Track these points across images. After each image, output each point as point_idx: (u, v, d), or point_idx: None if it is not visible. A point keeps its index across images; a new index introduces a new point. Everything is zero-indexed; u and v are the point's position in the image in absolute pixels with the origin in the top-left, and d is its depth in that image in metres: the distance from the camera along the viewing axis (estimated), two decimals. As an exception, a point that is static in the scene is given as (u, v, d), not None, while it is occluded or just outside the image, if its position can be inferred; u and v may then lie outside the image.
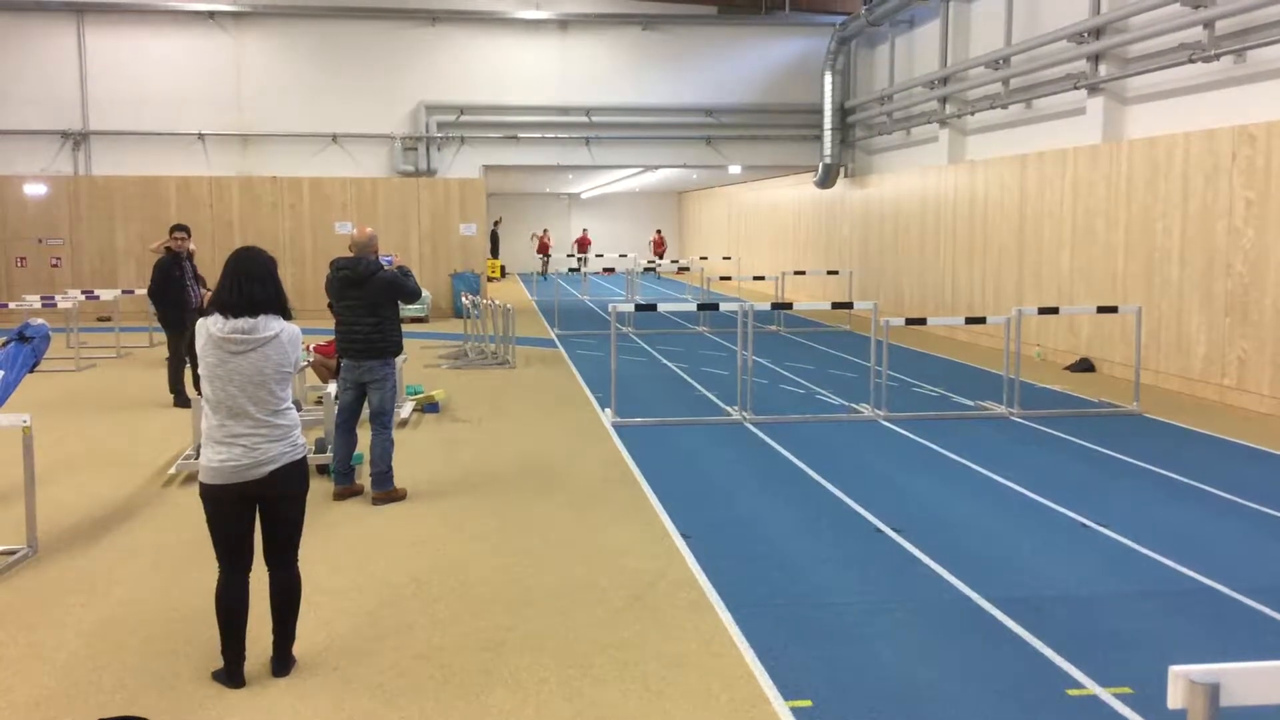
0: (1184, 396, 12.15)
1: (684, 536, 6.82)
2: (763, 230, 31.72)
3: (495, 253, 38.14)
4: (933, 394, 12.44)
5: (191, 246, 12.15)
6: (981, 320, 11.71)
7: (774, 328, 20.04)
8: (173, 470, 8.49)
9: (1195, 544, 6.66)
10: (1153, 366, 12.75)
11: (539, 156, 23.55)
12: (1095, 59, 14.13)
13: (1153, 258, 13.00)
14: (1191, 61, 12.07)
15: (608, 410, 11.13)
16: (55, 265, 21.85)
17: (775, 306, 11.29)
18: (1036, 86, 15.80)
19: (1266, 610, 5.51)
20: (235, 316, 4.61)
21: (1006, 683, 4.67)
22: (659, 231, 41.99)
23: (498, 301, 16.23)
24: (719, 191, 37.66)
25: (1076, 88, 14.54)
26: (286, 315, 4.76)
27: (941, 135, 18.99)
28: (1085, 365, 14.29)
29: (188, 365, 11.66)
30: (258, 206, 22.24)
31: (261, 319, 4.63)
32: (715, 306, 11.66)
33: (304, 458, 4.79)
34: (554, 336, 18.77)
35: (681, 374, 14.15)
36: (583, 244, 39.49)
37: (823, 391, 12.64)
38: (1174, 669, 1.83)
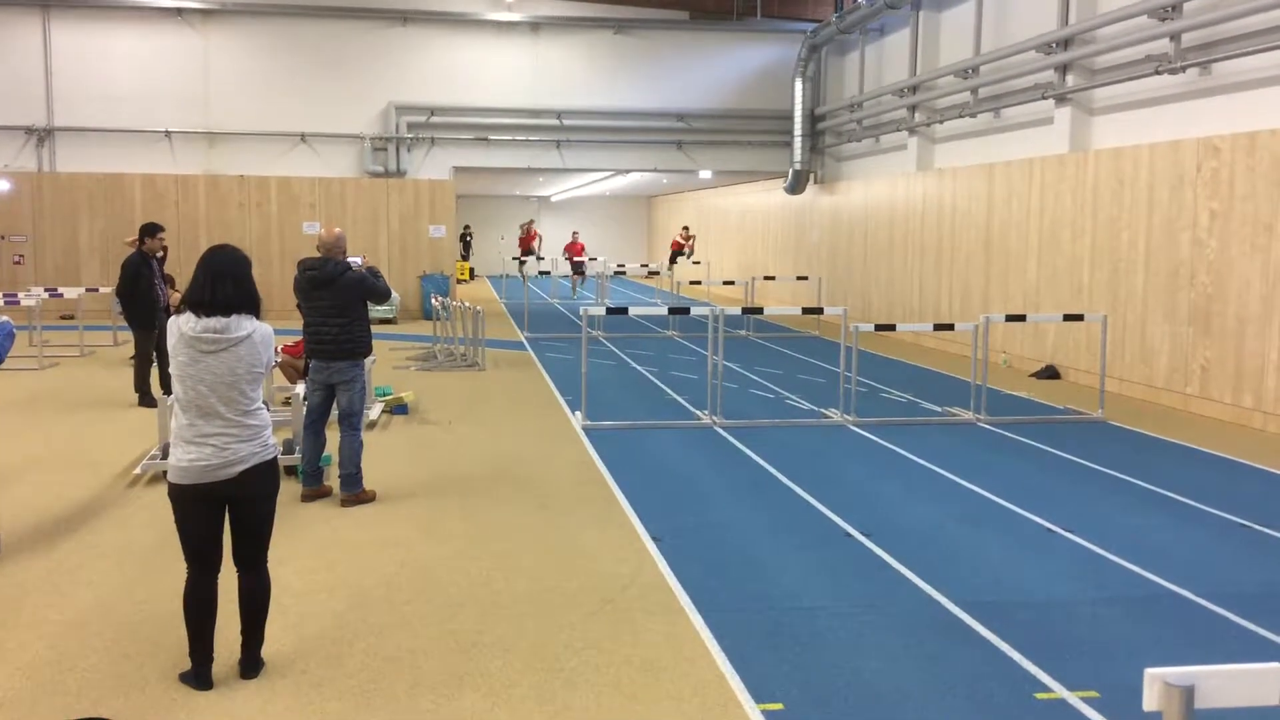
0: (1147, 404, 12.30)
1: (655, 540, 6.83)
2: (732, 236, 31.81)
3: (466, 256, 37.99)
4: (901, 399, 12.53)
5: (164, 246, 12.08)
6: (950, 327, 11.80)
7: (744, 333, 20.10)
8: (138, 470, 8.40)
9: (1159, 550, 6.74)
10: (1117, 374, 12.89)
11: (510, 159, 23.50)
12: (1063, 69, 14.29)
13: (1118, 267, 13.16)
14: (1158, 73, 12.24)
15: (578, 413, 11.12)
16: (18, 262, 21.56)
17: (746, 311, 11.33)
18: (1005, 96, 15.95)
19: (1231, 616, 5.58)
20: (208, 315, 4.57)
21: (975, 686, 4.71)
22: (686, 229, 33.08)
23: (467, 304, 16.18)
24: (688, 196, 37.73)
25: (1044, 98, 14.69)
26: (258, 315, 4.74)
27: (911, 143, 19.13)
28: (1051, 372, 14.44)
29: (154, 366, 11.55)
30: (225, 205, 22.05)
31: (234, 318, 4.60)
32: (686, 311, 11.69)
33: (275, 458, 4.75)
34: (523, 339, 18.73)
35: (651, 378, 14.16)
36: (574, 250, 32.44)
37: (792, 396, 12.70)
38: (1149, 671, 1.86)
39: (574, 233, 34.06)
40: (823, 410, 11.61)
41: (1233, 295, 11.18)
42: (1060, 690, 4.64)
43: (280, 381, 11.83)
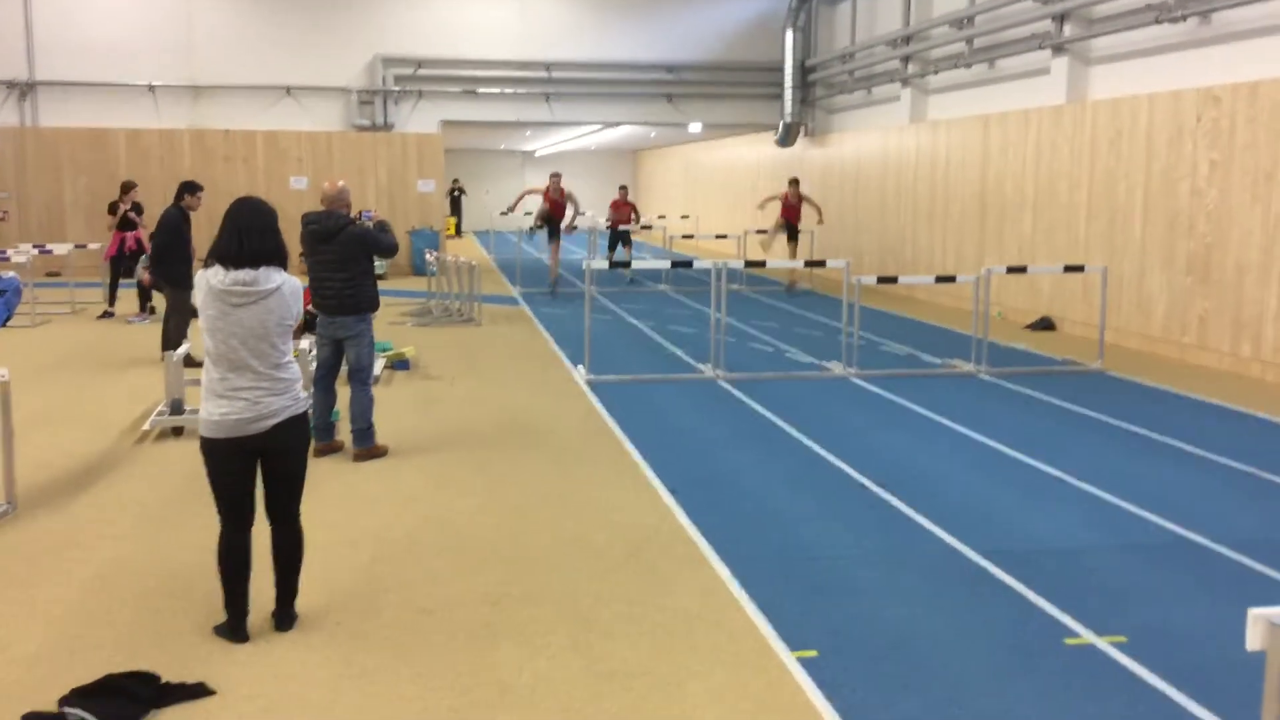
0: (1145, 354, 12.38)
1: (671, 492, 6.86)
2: (721, 189, 31.67)
3: (456, 211, 37.62)
4: (900, 352, 12.57)
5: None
6: (952, 279, 11.82)
7: (737, 287, 20.08)
8: (146, 426, 8.36)
9: (1170, 497, 6.81)
10: (1114, 325, 12.95)
11: (498, 112, 23.27)
12: (1060, 19, 14.21)
13: (1115, 218, 13.18)
14: (1158, 23, 12.19)
15: (580, 367, 11.11)
16: (2, 219, 21.28)
17: (749, 265, 11.30)
18: (1000, 46, 15.87)
19: (1248, 562, 5.66)
20: (236, 268, 4.53)
21: (1005, 632, 4.77)
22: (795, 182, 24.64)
23: (463, 258, 16.09)
24: (676, 150, 37.51)
25: (1041, 48, 14.62)
26: (285, 267, 4.70)
27: (904, 95, 19.03)
28: (1046, 324, 14.50)
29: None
30: (210, 160, 21.78)
31: (263, 271, 4.56)
32: (689, 264, 11.65)
33: (305, 412, 4.74)
34: (516, 294, 18.66)
35: (649, 332, 14.15)
36: (621, 211, 22.11)
37: (791, 350, 12.71)
38: (1253, 611, 1.88)
39: (621, 188, 23.45)
40: (823, 363, 11.64)
41: (1232, 245, 11.23)
42: (1089, 635, 4.71)
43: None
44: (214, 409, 4.56)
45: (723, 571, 5.47)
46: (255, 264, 4.56)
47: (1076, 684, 4.26)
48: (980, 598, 5.17)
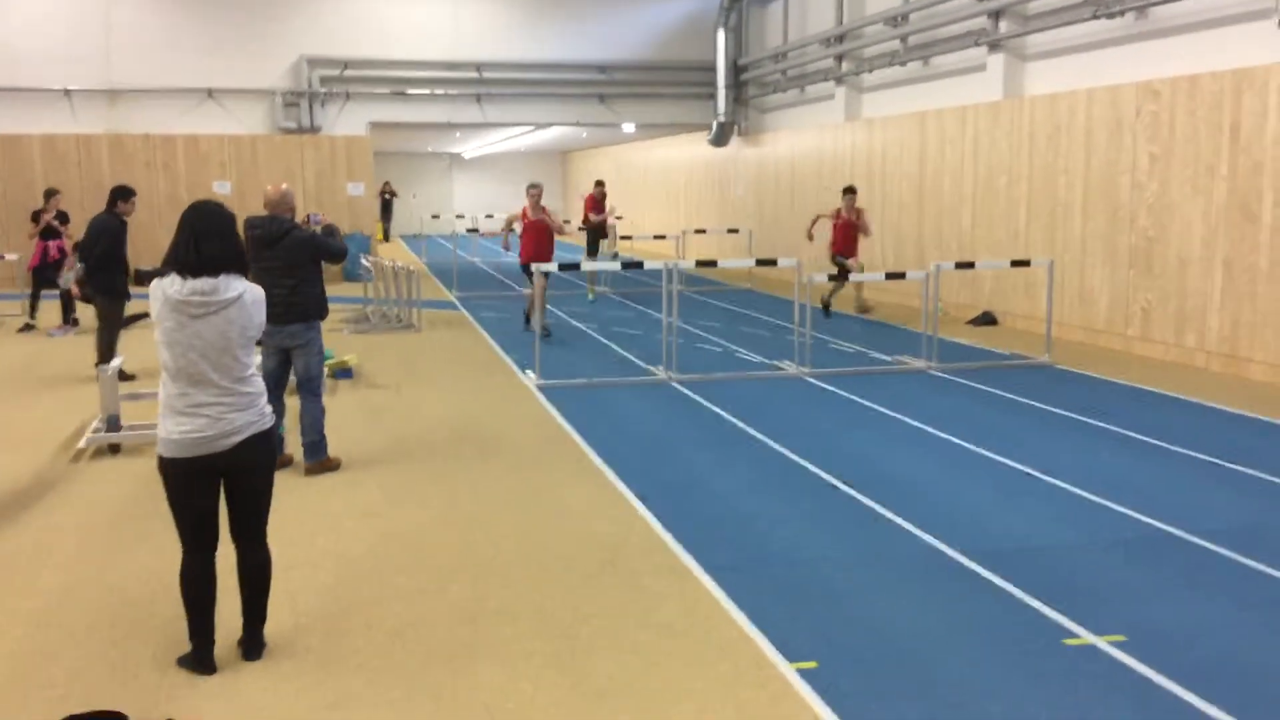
0: (1089, 347, 12.48)
1: (641, 499, 6.66)
2: (653, 190, 31.56)
3: (386, 216, 36.99)
4: (849, 350, 12.52)
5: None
6: (901, 275, 11.79)
7: (680, 287, 19.91)
8: (81, 444, 7.94)
9: (1138, 490, 6.79)
10: (1056, 318, 13.02)
11: (428, 113, 22.86)
12: (996, 15, 14.29)
13: (1055, 213, 13.28)
14: (1095, 18, 12.30)
15: (529, 372, 10.87)
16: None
17: (700, 264, 11.15)
18: (936, 44, 15.94)
19: (1227, 552, 5.63)
20: (194, 277, 4.24)
21: (1004, 634, 4.65)
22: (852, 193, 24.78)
23: (399, 263, 15.74)
24: (606, 151, 37.33)
25: (977, 45, 14.70)
26: (246, 274, 4.42)
27: (838, 93, 19.06)
28: (988, 319, 14.58)
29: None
30: (130, 166, 21.05)
31: (222, 279, 4.28)
32: (640, 265, 11.47)
33: (272, 427, 4.46)
34: (454, 299, 18.33)
35: (594, 335, 13.94)
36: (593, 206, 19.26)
37: (740, 350, 12.60)
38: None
39: (597, 182, 20.11)
40: (775, 362, 11.54)
41: (1174, 237, 11.35)
42: (1088, 635, 4.61)
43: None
44: (174, 427, 4.26)
45: (704, 580, 5.29)
46: (214, 272, 4.27)
47: (1083, 687, 4.16)
48: (971, 599, 5.06)
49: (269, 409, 4.47)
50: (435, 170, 44.27)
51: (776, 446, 7.98)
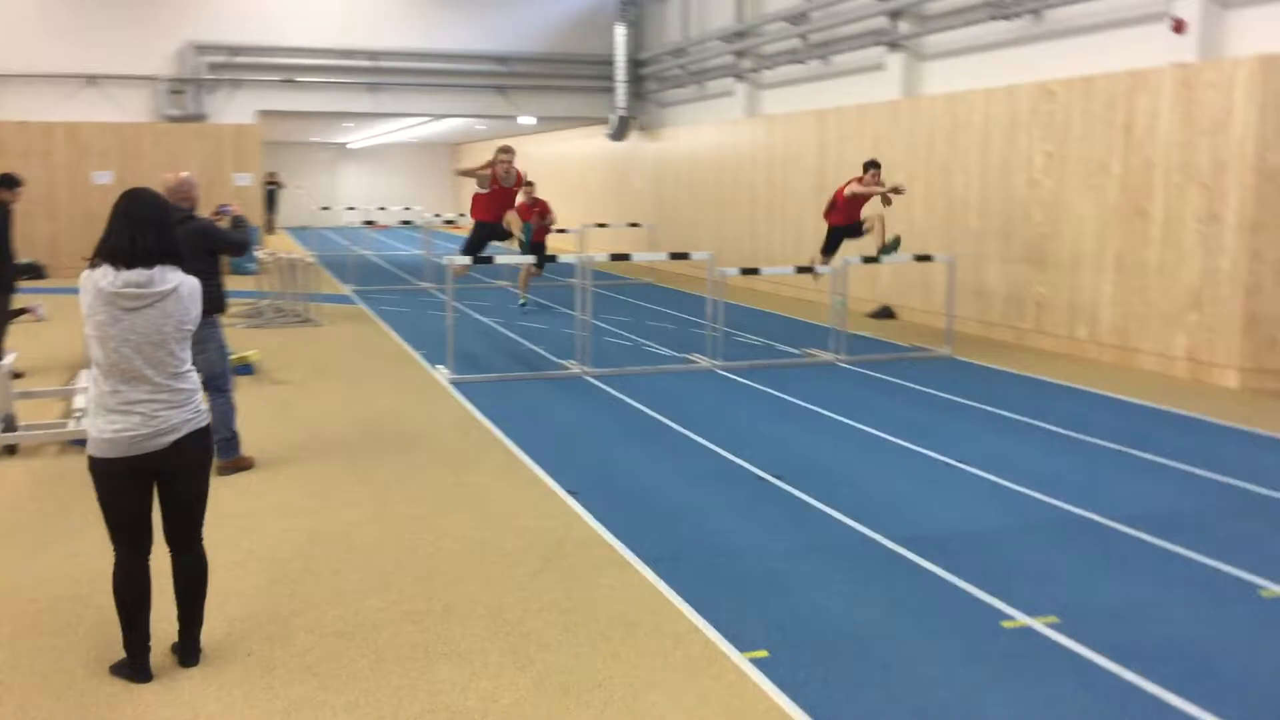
0: (985, 339, 12.86)
1: (571, 493, 6.63)
2: (551, 184, 31.37)
3: (272, 207, 35.97)
4: (756, 343, 12.66)
5: None
6: (810, 270, 11.97)
7: (579, 281, 19.87)
8: (-23, 445, 7.56)
9: (1053, 477, 7.02)
10: (952, 311, 13.38)
11: (319, 102, 22.36)
12: (895, 16, 14.62)
13: (952, 209, 13.64)
14: (992, 19, 12.67)
15: (440, 367, 10.72)
16: None
17: (615, 258, 11.15)
18: (836, 42, 16.22)
19: (1146, 536, 5.86)
20: (128, 268, 4.07)
21: (944, 619, 4.77)
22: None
23: (295, 255, 15.36)
24: (501, 143, 36.98)
25: (876, 44, 15.01)
26: (182, 266, 4.26)
27: (738, 89, 19.25)
28: (886, 312, 14.91)
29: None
30: (4, 154, 20.01)
31: (158, 270, 4.11)
32: (553, 259, 11.41)
33: (208, 426, 4.31)
34: (350, 293, 17.96)
35: (501, 329, 13.83)
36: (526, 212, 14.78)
37: (649, 343, 12.64)
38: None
39: (527, 184, 14.45)
40: (686, 356, 11.61)
41: (1068, 233, 11.77)
42: (1023, 617, 4.76)
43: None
44: (105, 425, 4.09)
45: (646, 573, 5.30)
46: (150, 263, 4.10)
47: (1025, 667, 4.29)
48: (908, 585, 5.18)
49: (205, 407, 4.33)
50: (320, 161, 43.34)
51: (699, 439, 8.04)
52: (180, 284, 4.17)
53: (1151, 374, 10.64)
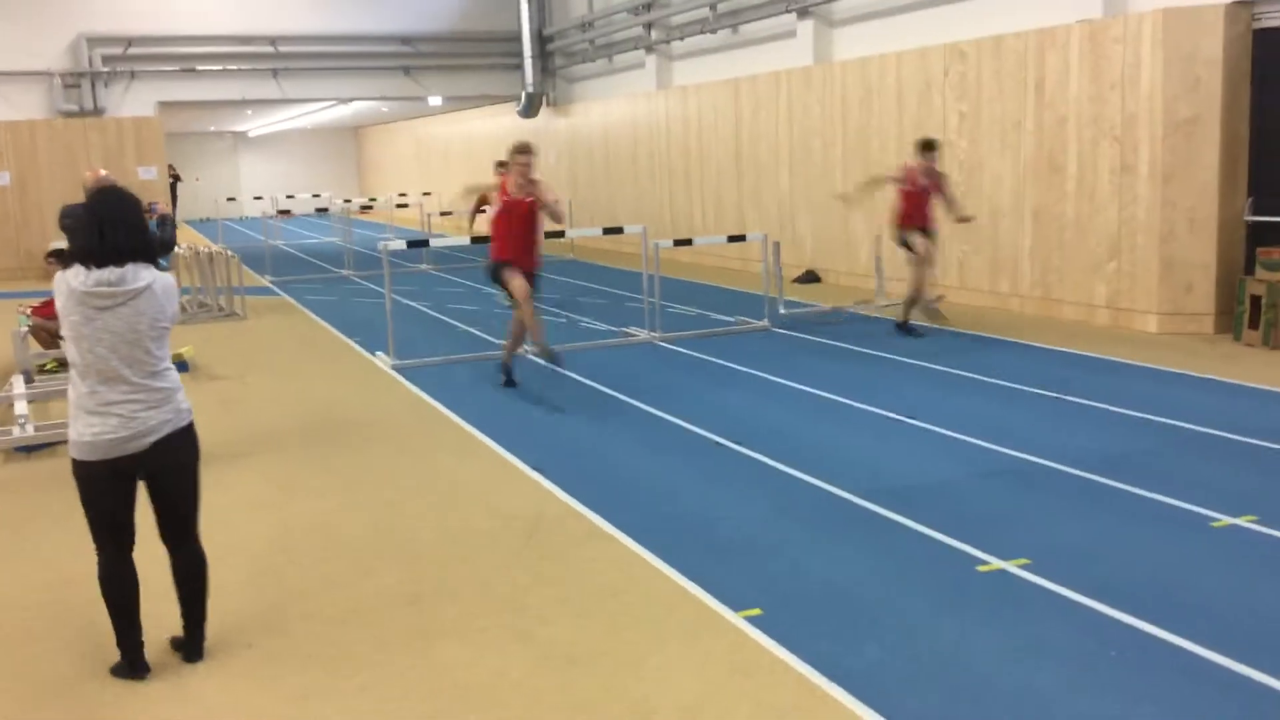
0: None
1: (538, 470, 6.69)
2: (462, 164, 31.11)
3: (172, 200, 35.00)
4: (689, 313, 12.80)
5: None
6: (742, 238, 12.15)
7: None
8: (-86, 459, 7.33)
9: (1000, 427, 7.28)
10: (881, 273, 13.68)
11: (221, 90, 21.84)
12: (804, -17, 14.79)
13: (871, 172, 13.89)
14: (902, -15, 12.91)
15: (379, 354, 10.65)
16: None
17: (549, 236, 11.15)
18: (745, 10, 16.34)
19: (1097, 478, 6.14)
20: (100, 266, 4.01)
21: (922, 568, 4.96)
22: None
23: (215, 248, 15.04)
24: (405, 125, 36.49)
25: (787, 11, 15.17)
26: (155, 264, 4.21)
27: (648, 61, 19.30)
28: (811, 276, 15.16)
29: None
30: (-110, 157, 19.28)
31: (130, 268, 4.06)
32: (486, 239, 11.35)
33: (191, 423, 4.28)
34: (271, 284, 17.65)
35: (431, 312, 13.75)
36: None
37: (584, 319, 12.70)
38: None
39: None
40: (624, 329, 11.69)
41: (985, 190, 12.10)
42: (997, 561, 4.97)
43: (34, 348, 10.59)
44: (84, 428, 4.04)
45: (628, 543, 5.40)
46: (121, 261, 4.05)
47: (1007, 609, 4.49)
48: (883, 538, 5.36)
49: (187, 404, 4.29)
50: (218, 150, 42.24)
51: (652, 410, 8.14)
52: (153, 281, 4.12)
53: (1075, 323, 11.04)
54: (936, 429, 7.30)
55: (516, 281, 8.81)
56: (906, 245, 10.77)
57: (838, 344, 10.45)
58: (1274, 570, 4.79)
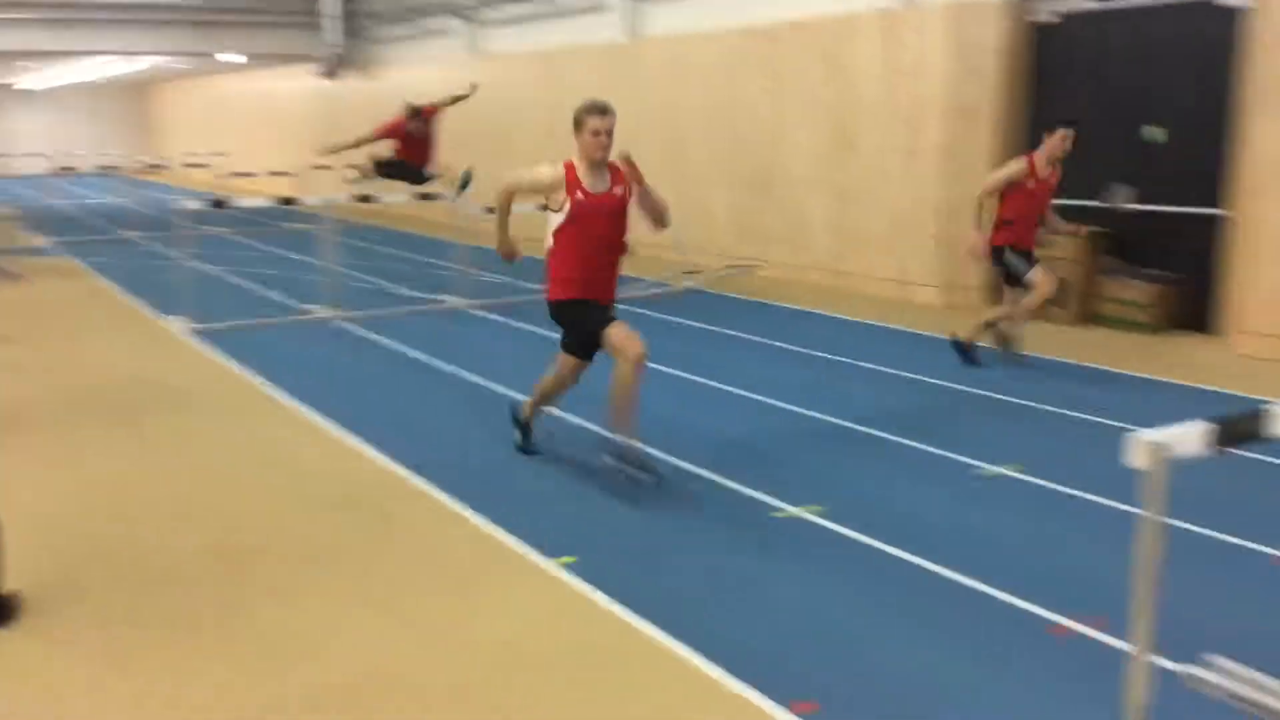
0: (717, 272, 13.61)
1: (354, 432, 6.69)
2: (261, 125, 30.01)
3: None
4: (500, 281, 12.87)
5: None
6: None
7: (303, 226, 19.31)
8: None
9: (793, 389, 7.68)
10: (688, 246, 14.09)
11: (-7, 39, 20.46)
12: (614, -42, 15.02)
13: (678, 147, 14.29)
14: (708, -35, 13.30)
15: (173, 318, 10.30)
16: None
17: (361, 200, 11.02)
18: (556, -18, 16.46)
19: (876, 432, 6.63)
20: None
21: (723, 517, 5.29)
22: None
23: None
24: (197, 83, 34.89)
25: (598, -16, 15.38)
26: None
27: (458, 27, 19.15)
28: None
29: None
30: None
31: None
32: (292, 202, 11.14)
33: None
34: (51, 246, 16.68)
35: (227, 276, 13.36)
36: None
37: (392, 285, 12.62)
38: (1134, 436, 2.39)
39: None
40: (434, 296, 11.69)
41: (786, 167, 12.67)
42: (791, 509, 5.34)
43: None
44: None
45: (445, 499, 5.50)
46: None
47: (800, 549, 4.87)
48: (686, 490, 5.65)
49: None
50: (-13, 105, 39.37)
51: (466, 375, 8.24)
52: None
53: (866, 295, 11.71)
54: (738, 391, 7.68)
55: (620, 333, 5.58)
56: (1010, 271, 8.30)
57: (647, 313, 10.77)
58: (1034, 511, 5.35)
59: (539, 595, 4.41)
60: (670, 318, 10.49)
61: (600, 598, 4.35)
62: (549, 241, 5.84)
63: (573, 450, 6.37)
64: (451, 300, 11.32)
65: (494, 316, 10.65)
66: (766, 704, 3.53)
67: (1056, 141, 8.05)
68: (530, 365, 8.39)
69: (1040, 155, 8.11)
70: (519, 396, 7.50)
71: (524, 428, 6.21)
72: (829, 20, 11.91)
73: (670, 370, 8.34)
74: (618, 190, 5.83)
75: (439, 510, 5.38)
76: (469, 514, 5.30)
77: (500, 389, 7.76)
